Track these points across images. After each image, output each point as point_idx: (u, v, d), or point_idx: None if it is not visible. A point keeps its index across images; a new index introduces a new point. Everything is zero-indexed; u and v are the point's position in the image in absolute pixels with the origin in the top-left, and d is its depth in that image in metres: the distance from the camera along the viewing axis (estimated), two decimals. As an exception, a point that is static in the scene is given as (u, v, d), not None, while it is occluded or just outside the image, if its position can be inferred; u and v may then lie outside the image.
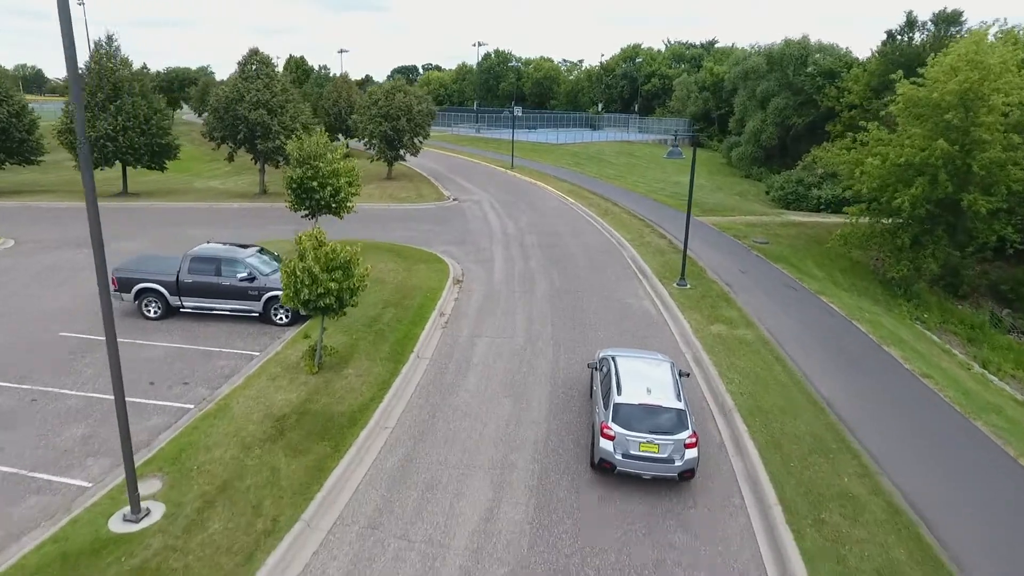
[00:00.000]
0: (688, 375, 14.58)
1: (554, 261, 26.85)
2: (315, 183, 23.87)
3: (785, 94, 63.29)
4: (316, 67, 74.86)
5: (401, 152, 46.87)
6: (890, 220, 28.99)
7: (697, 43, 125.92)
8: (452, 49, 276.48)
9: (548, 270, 25.48)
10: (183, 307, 18.77)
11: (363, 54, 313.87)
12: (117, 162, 36.26)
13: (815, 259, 29.64)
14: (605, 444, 11.25)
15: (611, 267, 26.26)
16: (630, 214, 36.95)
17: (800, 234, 33.60)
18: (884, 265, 29.60)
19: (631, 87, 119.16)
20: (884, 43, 52.52)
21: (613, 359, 13.13)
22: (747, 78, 67.15)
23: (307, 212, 24.74)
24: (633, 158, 71.40)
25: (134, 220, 31.87)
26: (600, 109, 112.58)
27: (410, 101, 45.01)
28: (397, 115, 44.42)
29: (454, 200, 40.47)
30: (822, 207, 45.12)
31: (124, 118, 34.31)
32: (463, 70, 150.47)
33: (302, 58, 73.72)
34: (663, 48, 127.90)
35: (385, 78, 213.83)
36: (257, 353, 16.61)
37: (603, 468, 11.41)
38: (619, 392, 11.72)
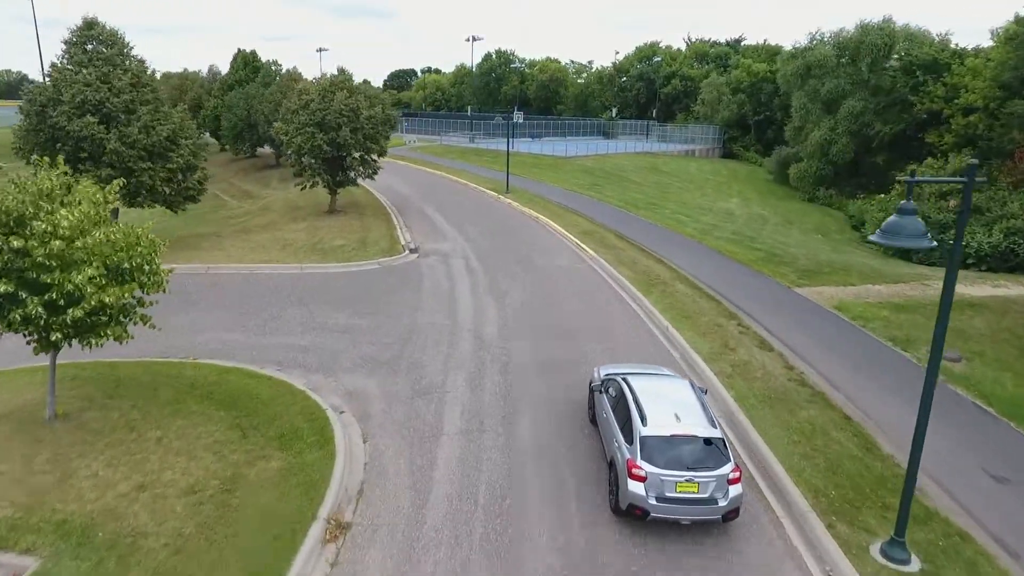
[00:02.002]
0: (706, 391, 12.74)
1: (574, 433, 12.76)
2: (11, 282, 10.09)
3: (861, 94, 49.07)
4: (273, 63, 61.14)
5: (349, 175, 32.99)
6: None
7: (722, 40, 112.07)
8: (458, 55, 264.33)
9: (557, 468, 11.43)
10: None
11: (367, 60, 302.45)
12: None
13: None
14: (635, 487, 9.40)
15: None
16: (690, 284, 22.76)
17: (1002, 330, 19.22)
18: None
19: (648, 90, 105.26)
20: (1018, 24, 38.22)
21: (625, 380, 11.26)
22: (807, 75, 52.92)
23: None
24: (661, 175, 57.21)
25: None
26: (614, 115, 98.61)
27: (356, 103, 31.09)
28: (337, 123, 30.51)
29: (413, 251, 26.47)
30: (975, 261, 29.90)
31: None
32: (461, 72, 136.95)
33: (253, 52, 60.35)
34: (684, 47, 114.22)
35: (382, 83, 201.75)
36: None
37: (633, 515, 9.51)
38: (644, 422, 9.88)
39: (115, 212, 24.43)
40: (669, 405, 10.39)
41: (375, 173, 34.48)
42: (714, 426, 10.05)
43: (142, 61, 24.53)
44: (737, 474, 9.55)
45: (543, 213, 34.97)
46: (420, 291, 21.30)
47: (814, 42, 54.31)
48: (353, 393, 14.21)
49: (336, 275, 23.04)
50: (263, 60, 60.25)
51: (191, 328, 17.70)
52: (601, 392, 12.08)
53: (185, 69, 78.46)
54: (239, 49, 61.19)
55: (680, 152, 75.51)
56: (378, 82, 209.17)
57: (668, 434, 9.70)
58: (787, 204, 49.66)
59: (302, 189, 32.63)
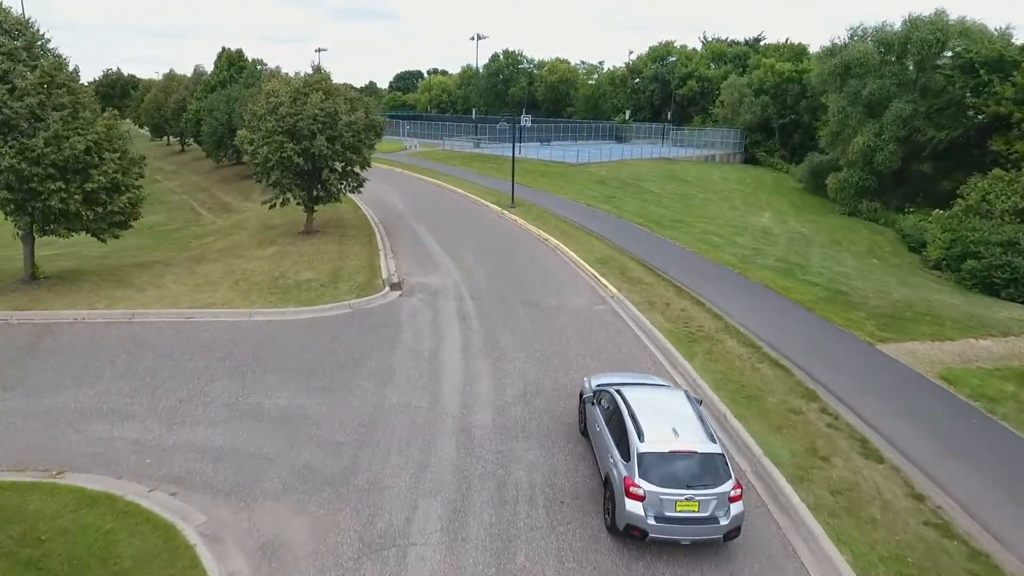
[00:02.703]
0: (701, 401, 11.66)
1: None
2: None
3: (909, 96, 43.84)
4: (262, 62, 56.61)
5: (328, 190, 28.27)
6: None
7: (741, 39, 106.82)
8: (465, 55, 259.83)
9: None
10: None
11: (371, 62, 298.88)
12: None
13: None
14: (633, 506, 8.99)
15: None
16: (742, 339, 17.77)
17: None
18: None
19: (663, 91, 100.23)
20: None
21: (619, 392, 10.83)
22: (847, 74, 47.67)
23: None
24: (682, 184, 52.17)
25: None
26: (628, 118, 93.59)
27: (335, 106, 26.36)
28: (311, 130, 25.79)
29: (395, 287, 21.67)
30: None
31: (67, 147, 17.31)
32: (468, 74, 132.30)
33: (239, 51, 55.76)
34: (699, 47, 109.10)
35: (387, 85, 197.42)
36: None
37: (631, 535, 9.11)
38: (641, 438, 9.42)
39: (27, 239, 19.90)
40: (666, 419, 9.93)
41: (359, 187, 29.73)
42: (713, 441, 9.59)
43: (60, 57, 19.84)
44: (738, 491, 9.16)
45: (553, 233, 30.10)
46: (395, 350, 16.47)
47: (854, 38, 49.06)
48: (269, 547, 9.40)
49: (292, 325, 18.25)
50: (249, 59, 55.71)
51: (77, 411, 13.01)
52: (593, 404, 11.56)
53: (172, 70, 74.35)
54: (223, 48, 56.69)
55: (699, 158, 70.43)
56: (383, 84, 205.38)
57: (667, 450, 9.28)
58: (827, 219, 44.47)
59: (270, 207, 27.91)
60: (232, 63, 54.08)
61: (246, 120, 27.58)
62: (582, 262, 25.22)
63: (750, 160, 75.14)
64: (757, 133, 75.20)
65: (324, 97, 26.42)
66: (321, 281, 22.03)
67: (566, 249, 27.20)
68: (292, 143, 25.89)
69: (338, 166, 27.56)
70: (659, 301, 20.91)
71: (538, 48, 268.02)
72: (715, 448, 9.43)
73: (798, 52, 77.79)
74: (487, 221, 33.39)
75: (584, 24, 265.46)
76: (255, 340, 16.94)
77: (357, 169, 28.30)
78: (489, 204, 37.63)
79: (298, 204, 28.17)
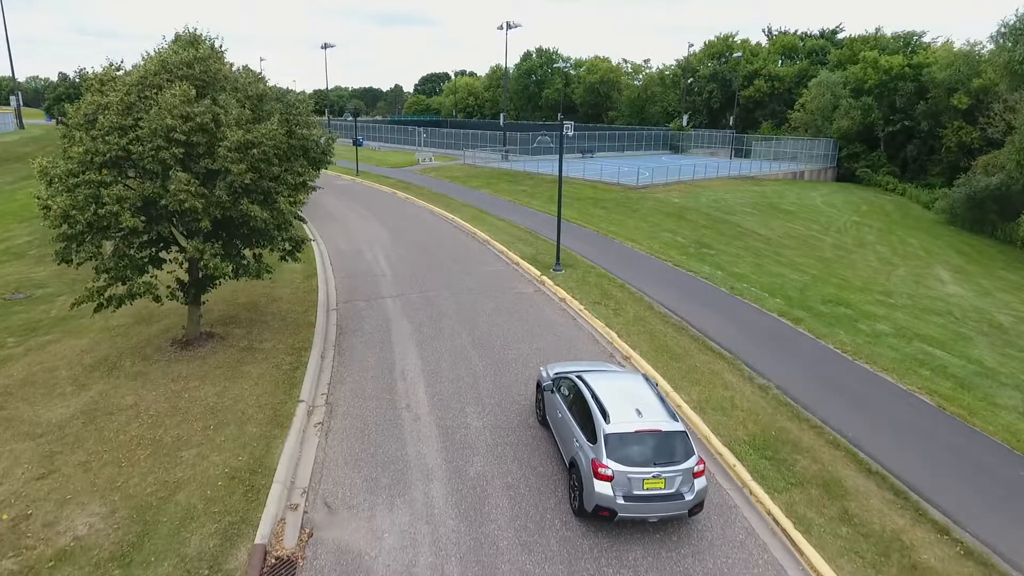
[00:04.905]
0: (657, 385, 11.44)
1: None
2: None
3: None
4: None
5: (219, 264, 14.85)
6: None
7: (815, 32, 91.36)
8: (495, 57, 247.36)
9: None
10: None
11: (406, 67, 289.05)
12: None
13: None
14: (602, 487, 9.07)
15: None
16: None
17: None
18: None
19: (723, 92, 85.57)
20: None
21: (580, 377, 10.84)
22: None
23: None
24: (786, 217, 37.82)
25: None
26: (686, 124, 79.13)
27: (214, 112, 13.02)
28: (163, 159, 12.48)
29: (282, 568, 8.19)
30: None
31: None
32: (497, 74, 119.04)
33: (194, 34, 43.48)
34: (765, 40, 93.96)
35: (412, 88, 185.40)
36: None
37: (600, 516, 9.18)
38: (607, 419, 9.51)
39: None
40: (628, 401, 9.99)
41: (294, 251, 16.31)
42: (675, 419, 9.74)
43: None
44: (702, 466, 9.36)
45: (640, 342, 16.33)
46: None
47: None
48: None
49: None
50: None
51: None
52: (553, 392, 11.45)
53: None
54: (180, 30, 44.14)
55: (784, 175, 55.76)
56: (408, 87, 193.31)
57: (632, 430, 9.37)
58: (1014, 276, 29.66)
59: (95, 309, 14.42)
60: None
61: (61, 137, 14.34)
62: (728, 457, 11.38)
63: (846, 177, 60.22)
64: (856, 144, 60.13)
65: (196, 94, 13.15)
66: (106, 547, 8.73)
67: (693, 415, 13.35)
68: (121, 185, 12.63)
69: (260, 212, 14.03)
70: None
71: (575, 46, 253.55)
72: (678, 426, 9.55)
73: (910, 43, 62.53)
74: (521, 304, 19.69)
75: (623, 21, 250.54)
76: None
77: (275, 228, 14.77)
78: (521, 263, 24.00)
79: (170, 297, 14.85)
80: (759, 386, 14.19)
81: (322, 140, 15.37)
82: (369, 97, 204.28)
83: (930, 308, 22.08)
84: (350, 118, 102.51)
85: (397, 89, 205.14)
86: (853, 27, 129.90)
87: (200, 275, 15.26)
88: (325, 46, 78.15)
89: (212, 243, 13.57)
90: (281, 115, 14.62)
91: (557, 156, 47.11)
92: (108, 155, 12.69)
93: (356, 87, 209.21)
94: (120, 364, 14.76)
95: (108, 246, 13.47)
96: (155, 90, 13.16)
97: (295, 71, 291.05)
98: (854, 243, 33.30)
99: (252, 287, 19.84)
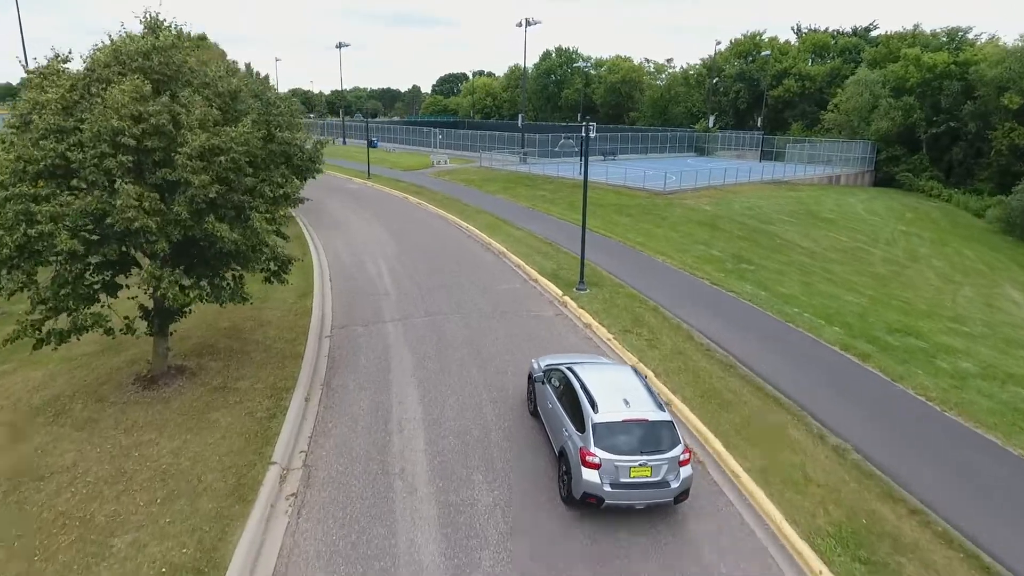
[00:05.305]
0: (646, 376, 12.83)
1: None
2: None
3: None
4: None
5: (185, 292, 12.63)
6: None
7: (847, 29, 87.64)
8: (514, 57, 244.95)
9: None
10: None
11: (425, 68, 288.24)
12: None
13: None
14: (589, 475, 9.26)
15: None
16: None
17: None
18: None
19: (751, 92, 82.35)
20: None
21: (570, 369, 11.03)
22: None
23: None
24: (828, 227, 34.90)
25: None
26: (712, 125, 76.05)
27: (172, 110, 10.77)
28: (107, 168, 10.25)
29: None
30: None
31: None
32: (515, 74, 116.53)
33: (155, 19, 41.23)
34: (794, 38, 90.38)
35: (430, 89, 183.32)
36: None
37: (587, 503, 9.37)
38: (595, 409, 9.72)
39: None
40: (617, 391, 10.16)
41: (279, 273, 14.05)
42: (662, 409, 9.89)
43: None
44: (687, 455, 9.48)
45: (682, 384, 13.80)
46: None
47: None
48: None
49: None
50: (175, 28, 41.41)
51: None
52: (544, 383, 11.67)
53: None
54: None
55: (819, 179, 52.56)
56: (427, 88, 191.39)
57: (620, 419, 9.53)
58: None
59: (36, 345, 12.29)
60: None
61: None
62: (809, 558, 8.81)
63: (884, 182, 56.79)
64: (896, 146, 56.67)
65: (153, 90, 10.91)
66: None
67: (757, 491, 10.78)
68: (54, 201, 10.40)
69: (230, 232, 11.77)
70: None
71: (595, 46, 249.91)
72: (664, 416, 9.69)
73: (954, 39, 58.83)
74: (540, 331, 17.18)
75: (640, 21, 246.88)
76: None
77: (251, 247, 12.46)
78: (540, 279, 21.55)
79: (125, 331, 12.61)
80: (834, 448, 11.57)
81: (307, 145, 12.98)
82: (387, 98, 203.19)
83: (1014, 339, 19.20)
84: (361, 119, 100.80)
85: (415, 90, 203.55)
86: (888, 24, 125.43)
87: (166, 303, 13.04)
88: (339, 45, 76.33)
89: (172, 268, 11.28)
90: (259, 115, 12.34)
91: (577, 159, 44.23)
92: (44, 163, 10.49)
93: (375, 88, 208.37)
94: (70, 407, 12.56)
95: (16, 277, 11.12)
96: (104, 85, 10.94)
97: (314, 72, 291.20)
98: (906, 256, 30.31)
99: (238, 309, 17.54)
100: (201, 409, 12.43)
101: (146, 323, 13.10)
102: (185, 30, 12.76)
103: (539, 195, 38.58)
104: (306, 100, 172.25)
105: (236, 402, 12.72)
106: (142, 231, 10.63)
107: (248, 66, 43.24)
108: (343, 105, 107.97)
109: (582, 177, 21.76)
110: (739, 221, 32.58)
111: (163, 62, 11.50)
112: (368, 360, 15.05)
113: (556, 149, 47.86)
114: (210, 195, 10.88)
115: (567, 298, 19.67)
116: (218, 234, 11.10)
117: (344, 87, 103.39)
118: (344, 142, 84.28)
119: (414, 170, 52.18)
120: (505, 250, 25.48)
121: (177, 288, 11.02)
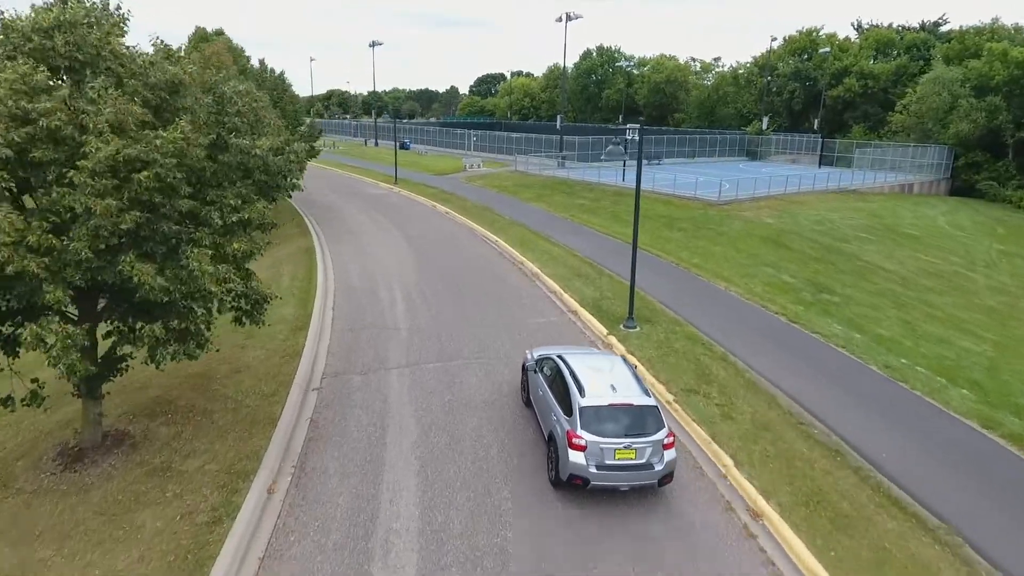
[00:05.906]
0: (636, 367, 13.23)
1: None
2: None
3: None
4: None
5: (120, 351, 9.58)
6: None
7: (914, 24, 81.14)
8: (554, 56, 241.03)
9: None
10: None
11: (464, 68, 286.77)
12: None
13: None
14: (575, 457, 9.47)
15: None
16: None
17: None
18: None
19: (807, 93, 76.88)
20: None
21: (560, 357, 11.24)
22: None
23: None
24: (913, 244, 30.29)
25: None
26: (766, 127, 71.04)
27: (96, 103, 7.66)
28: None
29: None
30: None
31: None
32: (554, 74, 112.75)
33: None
34: (854, 35, 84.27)
35: (467, 90, 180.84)
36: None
37: (573, 484, 9.61)
38: (582, 393, 9.96)
39: None
40: (604, 378, 10.41)
41: (253, 313, 10.95)
42: (647, 395, 10.09)
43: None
44: (671, 439, 9.67)
45: (775, 475, 10.08)
46: None
47: None
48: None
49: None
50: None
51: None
52: (536, 372, 11.88)
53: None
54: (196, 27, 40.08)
55: (890, 187, 47.36)
56: (464, 89, 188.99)
57: (606, 404, 9.76)
58: None
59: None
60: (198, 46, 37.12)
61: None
62: None
63: (962, 191, 51.07)
64: (977, 151, 50.92)
65: (45, 79, 7.81)
66: None
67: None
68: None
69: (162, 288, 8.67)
70: None
71: (638, 45, 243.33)
72: (649, 401, 9.91)
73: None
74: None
75: (690, 17, 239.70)
76: None
77: (212, 304, 9.30)
78: (580, 312, 17.96)
79: (27, 402, 9.58)
80: (1024, 615, 7.71)
81: (271, 156, 9.62)
82: (425, 99, 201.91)
83: None
84: (389, 119, 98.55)
85: (453, 91, 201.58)
86: (960, 19, 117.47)
87: (98, 359, 10.00)
88: (373, 44, 74.22)
89: (71, 325, 8.17)
90: (210, 115, 9.15)
91: (620, 164, 39.86)
92: None
93: (413, 89, 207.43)
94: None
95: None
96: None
97: (353, 73, 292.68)
98: (1015, 284, 25.60)
99: (217, 346, 14.60)
100: (127, 505, 9.32)
101: (72, 385, 10.09)
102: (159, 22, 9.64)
103: (578, 204, 34.93)
104: (342, 101, 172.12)
105: (175, 495, 9.57)
106: (24, 276, 7.53)
107: (262, 62, 40.62)
108: (377, 106, 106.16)
109: (626, 184, 18.15)
110: (809, 238, 28.31)
111: (72, 42, 8.39)
112: (359, 428, 11.77)
113: (603, 157, 43.90)
114: (122, 225, 7.72)
115: (612, 338, 16.07)
116: (137, 279, 7.92)
117: (383, 88, 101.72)
118: (376, 143, 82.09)
119: (445, 174, 49.12)
120: (538, 271, 21.97)
121: (74, 355, 7.84)
